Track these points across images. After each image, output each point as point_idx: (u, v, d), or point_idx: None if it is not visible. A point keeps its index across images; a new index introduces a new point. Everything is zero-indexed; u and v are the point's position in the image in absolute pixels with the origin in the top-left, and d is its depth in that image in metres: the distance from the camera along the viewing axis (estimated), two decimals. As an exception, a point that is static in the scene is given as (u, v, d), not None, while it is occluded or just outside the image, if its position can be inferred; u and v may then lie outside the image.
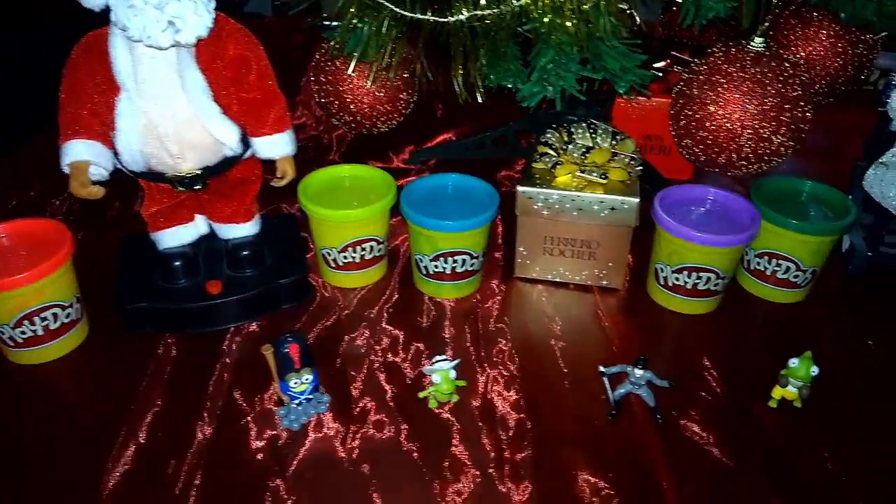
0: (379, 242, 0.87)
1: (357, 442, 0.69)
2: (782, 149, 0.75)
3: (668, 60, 1.12)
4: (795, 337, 0.84)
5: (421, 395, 0.73)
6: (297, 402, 0.70)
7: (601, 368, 0.74)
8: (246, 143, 0.77)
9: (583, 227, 0.86)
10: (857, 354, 0.81)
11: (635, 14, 0.74)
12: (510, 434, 0.70)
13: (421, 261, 0.86)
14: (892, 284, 0.91)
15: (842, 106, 1.11)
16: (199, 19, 0.66)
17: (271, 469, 0.66)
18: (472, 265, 0.86)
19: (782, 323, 0.86)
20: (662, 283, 0.86)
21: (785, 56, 0.75)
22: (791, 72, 0.73)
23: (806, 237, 0.82)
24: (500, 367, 0.78)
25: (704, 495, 0.65)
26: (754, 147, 0.75)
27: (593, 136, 0.87)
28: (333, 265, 0.88)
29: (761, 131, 0.74)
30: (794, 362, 0.71)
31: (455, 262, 0.84)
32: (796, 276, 0.86)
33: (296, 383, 0.69)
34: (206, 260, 0.85)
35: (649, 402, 0.71)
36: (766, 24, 0.75)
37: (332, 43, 0.82)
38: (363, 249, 0.86)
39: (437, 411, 0.72)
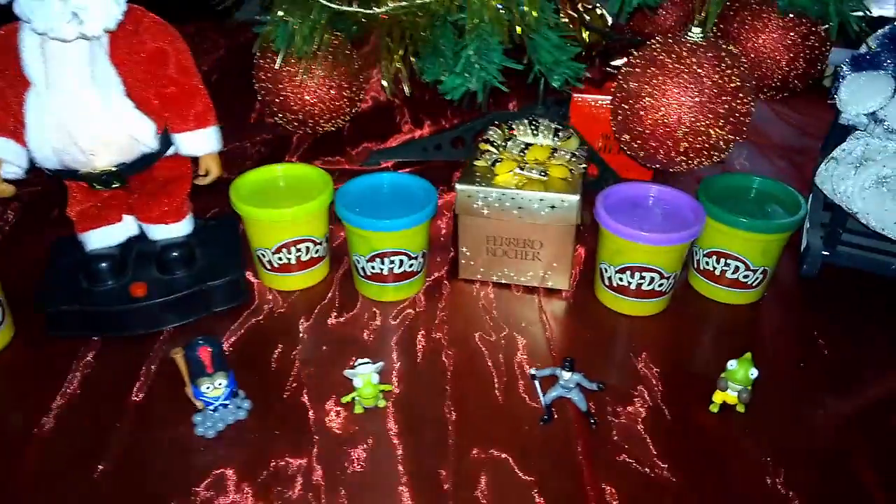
0: (316, 243, 0.85)
1: (275, 450, 0.66)
2: (721, 143, 0.73)
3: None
4: (744, 339, 0.81)
5: (344, 399, 0.70)
6: (212, 407, 0.67)
7: (532, 371, 0.71)
8: (168, 140, 0.75)
9: (524, 227, 0.83)
10: (807, 358, 0.78)
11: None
12: (435, 440, 0.67)
13: (358, 262, 0.84)
14: (849, 285, 0.88)
15: (811, 102, 1.08)
16: (105, 11, 0.64)
17: (182, 477, 0.64)
18: (411, 266, 0.83)
19: (731, 325, 0.83)
20: (607, 283, 0.83)
21: (725, 46, 0.72)
22: (729, 62, 0.71)
23: (753, 235, 0.79)
24: (434, 371, 0.75)
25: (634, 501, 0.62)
26: (692, 141, 0.73)
27: (535, 132, 0.85)
28: (269, 267, 0.85)
29: (698, 125, 0.71)
30: (732, 364, 0.68)
31: (392, 262, 0.82)
32: (746, 277, 0.82)
33: (208, 388, 0.66)
34: (137, 262, 0.82)
35: (581, 406, 0.68)
36: (704, 14, 0.72)
37: (259, 38, 0.80)
38: (299, 250, 0.84)
39: (358, 415, 0.69)
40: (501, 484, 0.63)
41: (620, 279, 0.81)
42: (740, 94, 0.71)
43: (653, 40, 0.76)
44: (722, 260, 0.83)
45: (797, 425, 0.70)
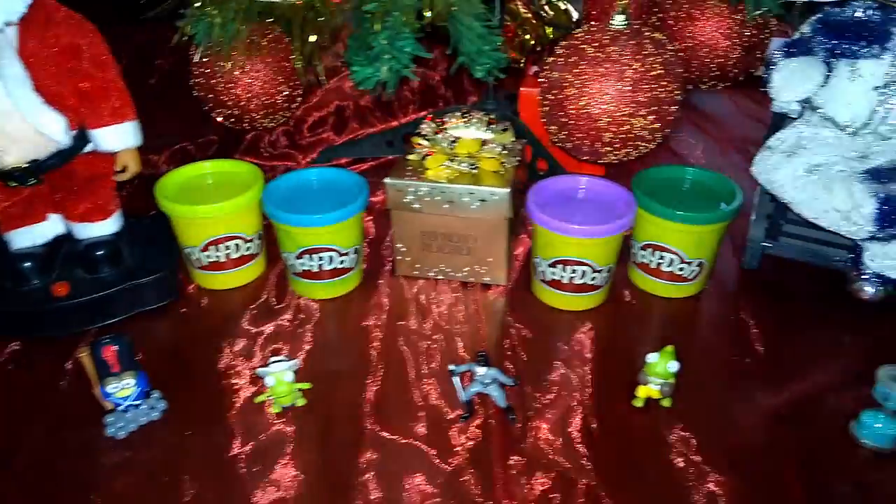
0: (247, 240, 0.84)
1: (191, 450, 0.65)
2: (646, 133, 0.71)
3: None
4: (680, 333, 0.79)
5: (257, 399, 0.68)
6: (122, 408, 0.66)
7: (450, 367, 0.69)
8: (84, 136, 0.73)
9: (457, 221, 0.81)
10: (741, 351, 0.76)
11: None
12: (349, 438, 0.66)
13: (287, 259, 0.82)
14: (792, 277, 0.86)
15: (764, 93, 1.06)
16: (6, 3, 0.62)
17: (91, 478, 0.62)
18: (342, 262, 0.82)
19: (668, 319, 0.82)
20: (541, 277, 0.82)
21: (648, 33, 0.70)
22: (651, 49, 0.69)
23: (685, 227, 0.78)
24: (358, 369, 0.74)
25: (546, 500, 0.60)
26: (616, 131, 0.71)
27: (467, 125, 0.83)
28: (198, 265, 0.84)
29: (620, 114, 0.70)
30: (652, 358, 0.67)
31: (322, 259, 0.80)
32: (682, 269, 0.81)
33: (115, 388, 0.65)
34: (64, 261, 0.81)
35: (499, 401, 0.67)
36: (626, 1, 0.71)
37: (179, 32, 0.79)
38: (228, 248, 0.82)
39: (276, 418, 0.68)
40: (409, 482, 0.61)
41: (553, 273, 0.80)
42: (663, 82, 0.70)
43: (577, 29, 0.74)
44: (657, 253, 0.81)
45: (723, 419, 0.68)
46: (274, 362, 0.67)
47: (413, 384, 0.72)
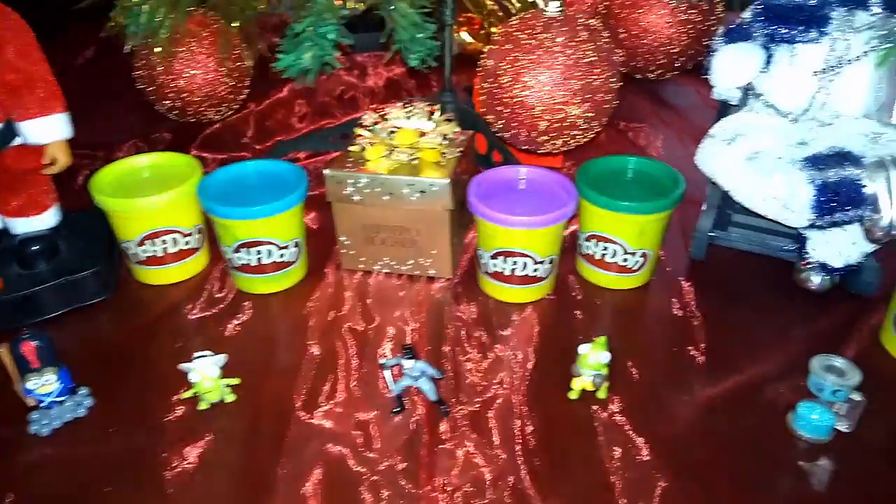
0: (185, 234, 0.82)
1: (114, 447, 0.64)
2: (580, 121, 0.70)
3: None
4: (623, 324, 0.78)
5: (184, 395, 0.67)
6: (44, 404, 0.65)
7: (381, 361, 0.68)
8: (12, 129, 0.72)
9: (399, 213, 0.80)
10: (683, 343, 0.75)
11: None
12: (276, 433, 0.64)
13: (226, 253, 0.81)
14: (740, 267, 0.85)
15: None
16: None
17: (7, 476, 0.61)
18: (282, 256, 0.80)
19: (612, 310, 0.81)
20: (484, 269, 0.81)
21: (583, 20, 0.69)
22: (585, 36, 0.68)
23: (626, 217, 0.76)
24: (293, 364, 0.73)
25: (475, 494, 0.59)
26: (551, 120, 0.70)
27: (408, 115, 0.82)
28: (135, 260, 0.82)
29: (553, 102, 0.68)
30: (583, 350, 0.66)
31: (260, 252, 0.79)
32: (626, 260, 0.80)
33: (36, 384, 0.63)
34: (0, 257, 0.80)
35: (430, 395, 0.66)
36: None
37: (110, 23, 0.77)
38: (164, 242, 0.81)
39: (204, 415, 0.67)
40: (333, 479, 0.60)
41: (495, 265, 0.79)
42: (597, 70, 0.68)
43: (514, 17, 0.73)
44: (601, 244, 0.80)
45: (659, 411, 0.67)
46: (198, 357, 0.65)
47: (347, 379, 0.71)
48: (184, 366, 0.66)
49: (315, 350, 0.74)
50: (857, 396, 0.61)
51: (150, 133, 1.16)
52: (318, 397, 0.69)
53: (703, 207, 0.89)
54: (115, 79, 1.34)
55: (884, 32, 0.65)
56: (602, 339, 0.66)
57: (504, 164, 1.02)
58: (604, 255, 0.80)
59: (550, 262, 0.79)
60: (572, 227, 0.87)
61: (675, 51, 0.84)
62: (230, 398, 0.68)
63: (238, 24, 0.68)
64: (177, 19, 0.76)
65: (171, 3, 0.72)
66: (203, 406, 0.67)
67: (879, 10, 0.67)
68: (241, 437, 0.65)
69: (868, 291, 0.79)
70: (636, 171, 0.83)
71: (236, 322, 0.79)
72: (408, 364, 0.65)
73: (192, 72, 0.86)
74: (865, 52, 0.67)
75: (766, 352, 0.73)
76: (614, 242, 0.79)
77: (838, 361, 0.62)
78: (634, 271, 0.81)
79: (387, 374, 0.67)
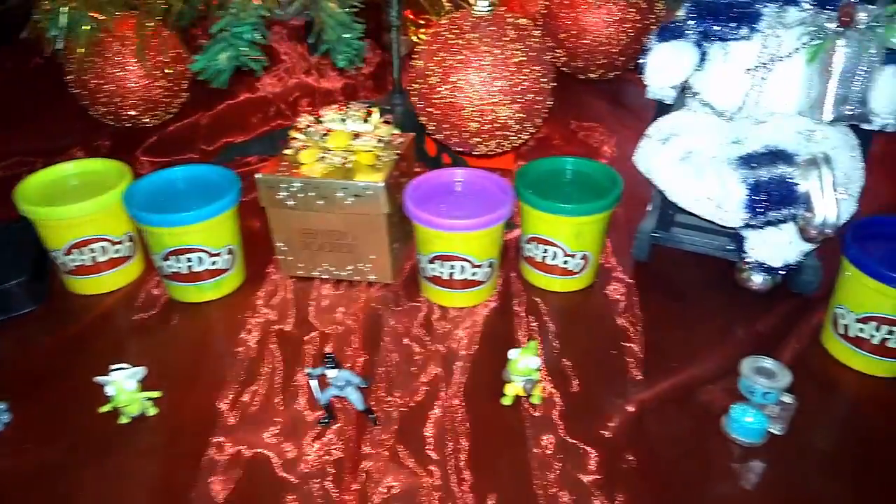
0: (115, 242, 0.80)
1: (28, 464, 0.61)
2: (513, 122, 0.68)
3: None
4: (565, 327, 0.77)
5: (102, 409, 0.65)
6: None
7: (307, 371, 0.66)
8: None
9: (335, 218, 0.78)
10: (621, 345, 0.74)
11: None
12: (197, 444, 0.62)
13: (156, 262, 0.79)
14: (684, 268, 0.84)
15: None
16: None
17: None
18: (214, 263, 0.78)
19: (554, 313, 0.79)
20: (423, 274, 0.79)
21: (512, 19, 0.68)
22: (513, 36, 0.66)
23: (563, 219, 0.75)
24: (218, 375, 0.70)
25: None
26: (481, 121, 0.68)
27: (343, 118, 0.80)
28: (64, 269, 0.80)
29: (482, 104, 0.67)
30: (513, 354, 0.64)
31: (190, 260, 0.77)
32: (566, 262, 0.78)
33: (-58, 401, 0.61)
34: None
35: (357, 404, 0.64)
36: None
37: (27, 28, 0.75)
38: (93, 251, 0.79)
39: (123, 429, 0.64)
40: (255, 492, 0.58)
41: (433, 269, 0.77)
42: (526, 70, 0.67)
43: (444, 16, 0.71)
44: (541, 246, 0.78)
45: (592, 415, 0.65)
46: (115, 370, 0.63)
47: (276, 389, 0.69)
48: (99, 379, 0.63)
49: (245, 360, 0.72)
50: (787, 399, 0.60)
51: (94, 140, 1.13)
52: (243, 409, 0.66)
53: (648, 208, 0.88)
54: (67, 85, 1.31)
55: (814, 28, 0.64)
56: (532, 344, 0.64)
57: (454, 165, 1.00)
58: (544, 257, 0.79)
59: (490, 266, 0.77)
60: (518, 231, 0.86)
61: (614, 50, 0.82)
62: (152, 411, 0.66)
63: (170, 22, 0.66)
64: (103, 22, 0.74)
65: (93, 5, 0.69)
66: (123, 420, 0.65)
67: (810, 6, 0.67)
68: (161, 452, 0.63)
69: (808, 291, 0.78)
70: (575, 172, 0.82)
71: (165, 333, 0.76)
72: (331, 374, 0.63)
73: (123, 75, 0.84)
74: (797, 48, 0.66)
75: (705, 353, 0.72)
76: (554, 245, 0.77)
77: (768, 363, 0.61)
78: (576, 273, 0.80)
79: (313, 383, 0.65)
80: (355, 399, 0.64)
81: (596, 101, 1.24)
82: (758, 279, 0.76)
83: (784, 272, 0.75)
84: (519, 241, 0.83)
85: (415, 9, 1.30)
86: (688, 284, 0.82)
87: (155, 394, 0.66)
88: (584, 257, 0.78)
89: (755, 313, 0.77)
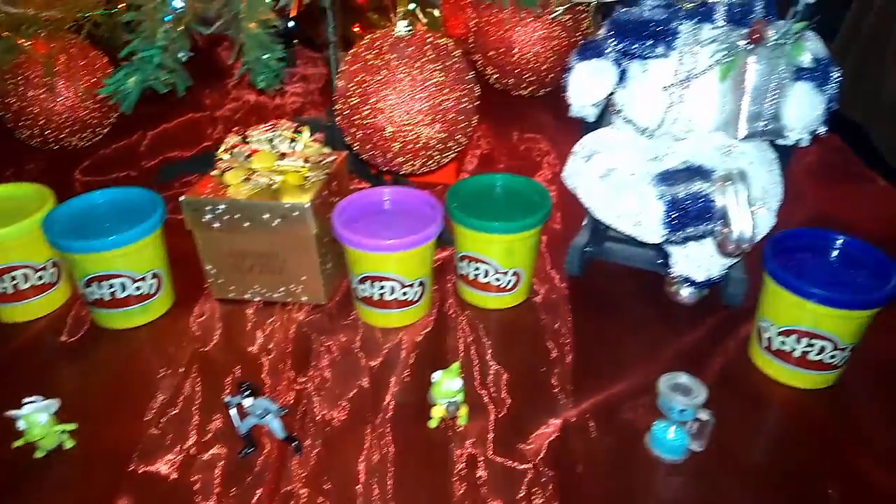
0: (37, 269, 0.78)
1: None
2: (433, 142, 0.68)
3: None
4: (498, 345, 0.76)
5: (15, 444, 0.63)
6: None
7: (226, 399, 0.65)
8: None
9: (263, 239, 0.77)
10: (550, 362, 0.74)
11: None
12: (110, 478, 0.61)
13: (79, 288, 0.77)
14: (617, 282, 0.85)
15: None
16: None
17: None
18: (138, 289, 0.77)
19: (487, 331, 0.79)
20: (354, 294, 0.78)
21: (432, 40, 0.67)
22: (431, 56, 0.66)
23: (493, 237, 0.75)
24: (144, 404, 0.69)
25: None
26: (403, 141, 0.68)
27: (270, 138, 0.79)
28: (-16, 298, 0.78)
29: (403, 124, 0.67)
30: (435, 377, 0.64)
31: (112, 286, 0.75)
32: (498, 280, 0.78)
33: None
34: None
35: (278, 433, 0.63)
36: (414, 5, 0.68)
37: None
38: (14, 278, 0.77)
39: (38, 463, 0.63)
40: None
41: (363, 290, 0.76)
42: (446, 90, 0.67)
43: (367, 36, 0.71)
44: (472, 263, 0.78)
45: (518, 433, 0.65)
46: (27, 403, 0.61)
47: (197, 417, 0.67)
48: (11, 413, 0.61)
49: (167, 388, 0.71)
50: (704, 415, 0.60)
51: (28, 161, 1.11)
52: (162, 438, 0.65)
53: (584, 222, 0.88)
54: None
55: (726, 46, 0.65)
56: (454, 366, 0.64)
57: (394, 183, 1.00)
58: (477, 275, 0.79)
59: (421, 285, 0.77)
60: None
61: (543, 68, 0.83)
62: (69, 444, 0.64)
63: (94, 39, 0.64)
64: (21, 46, 0.72)
65: (11, 27, 0.68)
66: (39, 454, 0.63)
67: (724, 23, 0.67)
68: (76, 485, 0.61)
69: (735, 303, 0.79)
70: (505, 189, 0.82)
71: (88, 361, 0.75)
72: (247, 402, 0.62)
73: (46, 97, 0.82)
74: (711, 65, 0.67)
75: (633, 368, 0.72)
76: (485, 262, 0.77)
77: (685, 380, 0.61)
78: (509, 290, 0.80)
79: (232, 412, 0.64)
80: (276, 427, 0.63)
81: (541, 113, 1.25)
82: (685, 292, 0.77)
83: (710, 285, 0.76)
84: (454, 259, 0.82)
85: (364, 23, 1.30)
86: (620, 298, 0.83)
87: (70, 426, 0.64)
88: (515, 274, 0.78)
89: (685, 327, 0.78)
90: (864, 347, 0.68)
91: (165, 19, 0.62)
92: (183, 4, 0.61)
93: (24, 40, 0.74)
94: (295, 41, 1.50)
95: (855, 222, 0.94)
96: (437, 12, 1.06)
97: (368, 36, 0.70)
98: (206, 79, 1.40)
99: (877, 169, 1.10)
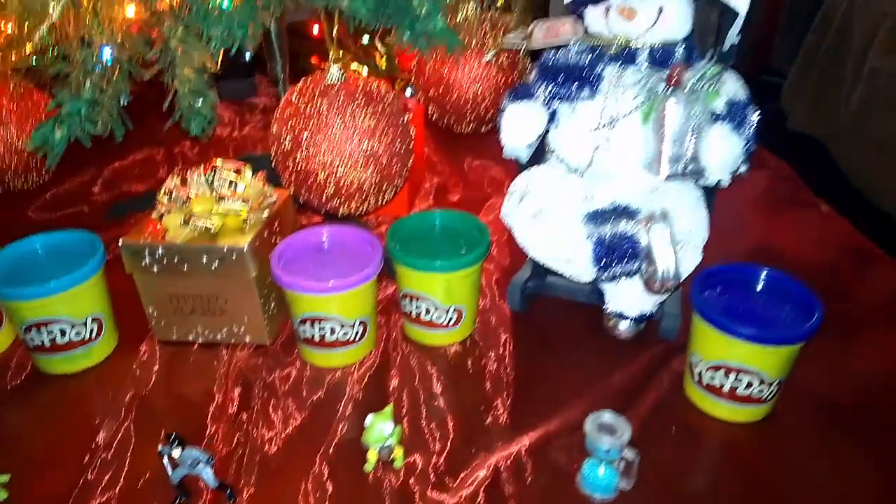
0: (-27, 315, 0.78)
1: None
2: (366, 185, 0.69)
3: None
4: (439, 383, 0.77)
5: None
6: None
7: (160, 449, 0.64)
8: None
9: (204, 282, 0.77)
10: (489, 401, 0.74)
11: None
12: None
13: (19, 334, 0.77)
14: (558, 317, 0.86)
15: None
16: None
17: None
18: (77, 334, 0.76)
19: (429, 369, 0.79)
20: (296, 335, 0.79)
21: (363, 85, 0.69)
22: (363, 101, 0.67)
23: (431, 275, 0.76)
24: (77, 454, 0.68)
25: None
26: (337, 185, 0.69)
27: (209, 180, 0.80)
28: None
29: (335, 168, 0.68)
30: (368, 420, 0.64)
31: (51, 332, 0.75)
32: (440, 317, 0.79)
33: None
34: None
35: (210, 482, 0.63)
36: (368, 38, 0.69)
37: None
38: (-49, 325, 0.76)
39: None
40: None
41: (304, 331, 0.77)
42: (377, 134, 0.68)
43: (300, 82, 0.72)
44: (414, 301, 0.79)
45: (452, 475, 0.65)
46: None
47: (132, 466, 0.67)
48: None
49: (103, 436, 0.70)
50: (630, 454, 0.61)
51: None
52: (94, 488, 0.65)
53: (527, 258, 0.89)
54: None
55: (647, 89, 0.67)
56: (387, 409, 0.64)
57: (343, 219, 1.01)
58: (418, 312, 0.79)
59: (362, 324, 0.77)
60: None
61: (482, 106, 0.85)
62: (2, 495, 0.63)
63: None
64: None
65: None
66: (-34, 507, 0.63)
67: (647, 67, 0.69)
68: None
69: (670, 337, 0.80)
70: (443, 226, 0.83)
71: (28, 407, 0.74)
72: (176, 453, 0.61)
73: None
74: (635, 107, 0.68)
75: (569, 405, 0.73)
76: (426, 299, 0.78)
77: (608, 418, 0.62)
78: (449, 326, 0.80)
79: (164, 462, 0.64)
80: (207, 477, 0.63)
81: (493, 142, 1.27)
82: (623, 327, 0.79)
83: (645, 320, 0.77)
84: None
85: (322, 55, 1.31)
86: (561, 333, 0.84)
87: (3, 477, 0.63)
88: (457, 310, 0.79)
89: (622, 361, 0.79)
90: (795, 380, 0.70)
91: (95, 69, 0.63)
92: (111, 55, 0.61)
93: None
94: (254, 73, 1.51)
95: (796, 251, 0.96)
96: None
97: (300, 82, 0.71)
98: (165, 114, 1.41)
99: (835, 187, 1.13)
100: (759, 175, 1.19)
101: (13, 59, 0.64)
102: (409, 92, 0.71)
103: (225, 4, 0.62)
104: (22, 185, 0.88)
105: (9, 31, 0.63)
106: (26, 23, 0.61)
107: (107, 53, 0.63)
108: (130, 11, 0.64)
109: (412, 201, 1.08)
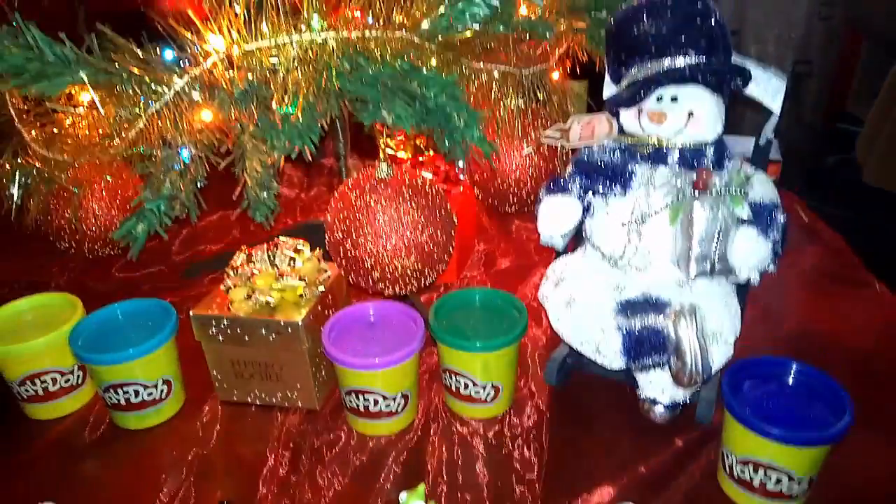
0: (64, 373, 0.87)
1: None
2: (409, 271, 0.75)
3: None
4: (468, 459, 0.80)
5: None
6: None
7: (213, 510, 0.71)
8: None
9: (261, 351, 0.85)
10: (519, 478, 0.77)
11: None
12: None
13: (99, 392, 0.85)
14: (596, 394, 0.88)
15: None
16: None
17: None
18: (150, 395, 0.85)
19: (464, 442, 0.83)
20: (344, 403, 0.84)
21: (409, 181, 0.75)
22: (406, 195, 0.74)
23: (469, 354, 0.80)
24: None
25: None
26: (382, 271, 0.75)
27: (271, 257, 0.87)
28: (18, 397, 0.87)
29: (381, 256, 0.74)
30: (402, 497, 0.68)
31: (127, 393, 0.83)
32: (477, 392, 0.83)
33: None
34: None
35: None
36: (384, 154, 0.76)
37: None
38: (44, 381, 0.86)
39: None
40: None
41: (350, 400, 0.82)
42: (420, 226, 0.74)
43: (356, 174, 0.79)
44: (453, 376, 0.83)
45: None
46: (37, 511, 0.69)
47: (189, 523, 0.73)
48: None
49: (167, 490, 0.77)
50: (650, 548, 0.63)
51: (70, 261, 1.22)
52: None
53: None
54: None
55: (675, 191, 0.70)
56: (420, 488, 0.68)
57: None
58: (458, 387, 0.84)
59: (403, 397, 0.82)
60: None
61: (523, 190, 0.90)
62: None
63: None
64: (58, 178, 0.84)
65: (52, 165, 0.79)
66: (44, 556, 0.70)
67: (677, 167, 0.72)
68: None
69: (705, 422, 0.81)
70: (483, 304, 0.87)
71: (102, 459, 0.82)
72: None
73: (82, 215, 0.93)
74: (664, 206, 0.71)
75: (602, 487, 0.75)
76: (464, 376, 0.82)
77: (630, 512, 0.64)
78: (487, 402, 0.84)
79: (216, 522, 0.70)
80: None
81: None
82: (658, 411, 0.80)
83: (678, 408, 0.78)
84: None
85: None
86: (597, 411, 0.86)
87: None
88: (494, 387, 0.83)
89: (656, 443, 0.80)
90: (829, 470, 0.70)
91: (174, 167, 0.71)
92: (188, 155, 0.70)
93: (59, 173, 0.85)
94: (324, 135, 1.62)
95: (841, 335, 0.95)
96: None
97: (353, 176, 0.78)
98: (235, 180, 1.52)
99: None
100: (810, 249, 1.18)
101: (110, 151, 0.73)
102: (384, 169, 0.75)
103: (289, 109, 0.69)
104: (109, 252, 0.98)
105: (107, 130, 0.72)
106: (119, 127, 0.70)
107: (185, 153, 0.71)
108: (207, 116, 0.72)
109: (461, 270, 1.14)
